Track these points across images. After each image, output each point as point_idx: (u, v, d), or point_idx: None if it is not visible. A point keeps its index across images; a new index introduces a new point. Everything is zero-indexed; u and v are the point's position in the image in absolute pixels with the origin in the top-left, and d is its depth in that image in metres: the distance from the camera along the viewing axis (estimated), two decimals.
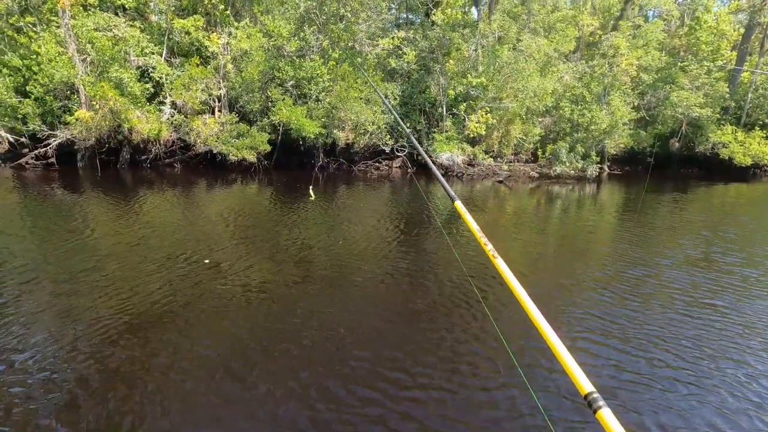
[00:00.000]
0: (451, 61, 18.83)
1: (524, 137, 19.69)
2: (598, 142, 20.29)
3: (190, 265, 6.70)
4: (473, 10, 23.38)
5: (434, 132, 18.98)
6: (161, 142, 15.95)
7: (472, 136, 18.33)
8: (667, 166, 23.12)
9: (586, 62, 22.04)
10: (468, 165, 18.39)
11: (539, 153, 20.02)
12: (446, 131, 18.72)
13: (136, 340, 4.59)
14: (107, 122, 14.75)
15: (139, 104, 15.58)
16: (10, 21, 15.53)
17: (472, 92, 18.72)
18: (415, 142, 3.35)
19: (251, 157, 15.99)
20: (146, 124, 15.31)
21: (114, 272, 6.32)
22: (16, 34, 15.57)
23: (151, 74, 16.15)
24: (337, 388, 3.94)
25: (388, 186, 16.34)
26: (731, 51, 25.63)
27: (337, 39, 17.35)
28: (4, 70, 15.01)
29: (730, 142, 21.85)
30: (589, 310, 5.78)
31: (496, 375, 4.27)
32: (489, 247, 1.80)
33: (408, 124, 19.20)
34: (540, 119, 20.42)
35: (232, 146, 15.88)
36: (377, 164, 18.88)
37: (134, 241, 7.89)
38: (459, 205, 2.16)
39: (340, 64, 17.08)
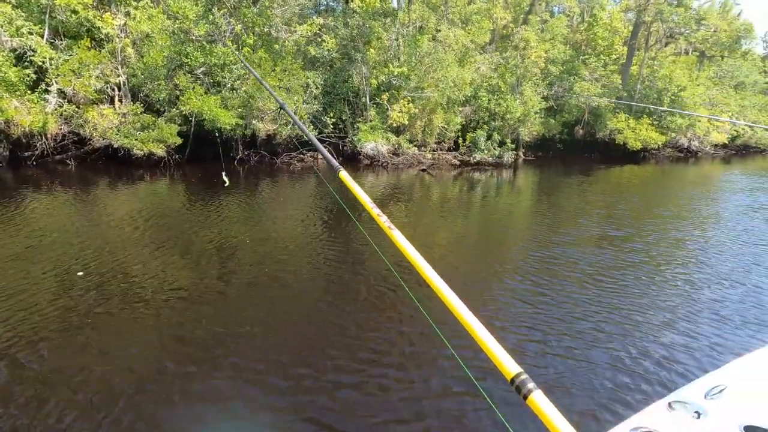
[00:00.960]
0: (372, 50, 18.71)
1: (446, 126, 20.25)
2: (513, 130, 21.51)
3: (89, 275, 5.92)
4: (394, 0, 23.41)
5: (359, 122, 18.82)
6: (48, 136, 13.99)
7: (395, 125, 18.46)
8: (574, 151, 25.24)
9: (500, 54, 23.15)
10: (393, 154, 18.52)
11: (459, 141, 20.74)
12: (370, 121, 18.65)
13: (29, 361, 3.93)
14: None
15: (17, 92, 13.50)
16: None
17: (394, 81, 18.80)
18: (297, 121, 3.16)
19: (160, 151, 14.61)
20: (27, 115, 13.32)
21: None
22: None
23: (31, 58, 14.03)
24: (268, 388, 3.68)
25: (313, 178, 15.92)
26: (623, 46, 28.48)
27: (251, 24, 16.36)
28: None
29: (623, 129, 24.36)
30: (503, 292, 6.05)
31: (433, 359, 4.29)
32: (383, 219, 1.65)
33: (332, 114, 18.84)
34: (460, 108, 21.12)
35: (136, 139, 14.38)
36: (301, 155, 18.32)
37: (17, 252, 6.80)
38: (344, 175, 2.04)
39: (256, 50, 16.16)
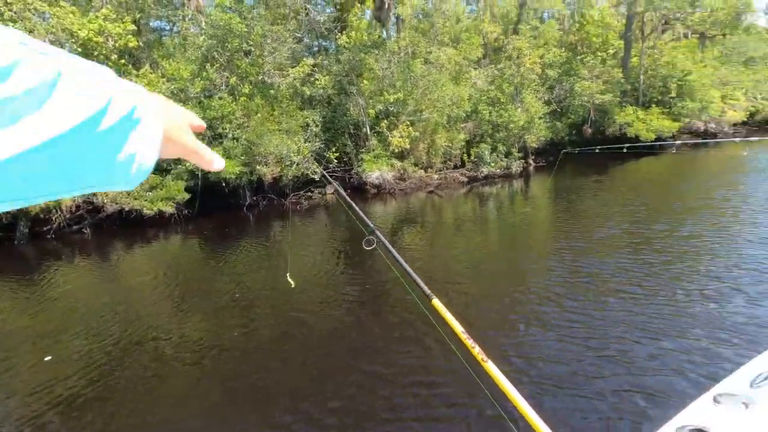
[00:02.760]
0: (365, 81, 18.94)
1: (450, 144, 20.10)
2: (519, 138, 21.18)
3: (119, 342, 5.82)
4: (383, 31, 23.88)
5: (362, 152, 18.86)
6: (62, 208, 14.43)
7: (397, 150, 18.40)
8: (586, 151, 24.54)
9: (495, 66, 23.13)
10: (399, 180, 18.37)
11: (464, 158, 20.51)
12: (373, 150, 18.66)
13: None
14: None
15: None
16: None
17: (392, 108, 18.89)
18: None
19: (169, 209, 14.85)
20: None
21: (25, 368, 5.34)
22: None
23: None
24: None
25: (323, 213, 15.87)
26: (619, 40, 28.12)
27: (245, 74, 16.84)
28: None
29: (633, 122, 23.70)
30: (528, 319, 5.61)
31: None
32: (477, 350, 1.63)
33: (335, 148, 18.99)
34: (462, 125, 20.99)
35: (145, 200, 14.69)
36: (309, 193, 18.37)
37: (47, 329, 6.74)
38: (437, 303, 1.86)
39: (252, 98, 16.54)
